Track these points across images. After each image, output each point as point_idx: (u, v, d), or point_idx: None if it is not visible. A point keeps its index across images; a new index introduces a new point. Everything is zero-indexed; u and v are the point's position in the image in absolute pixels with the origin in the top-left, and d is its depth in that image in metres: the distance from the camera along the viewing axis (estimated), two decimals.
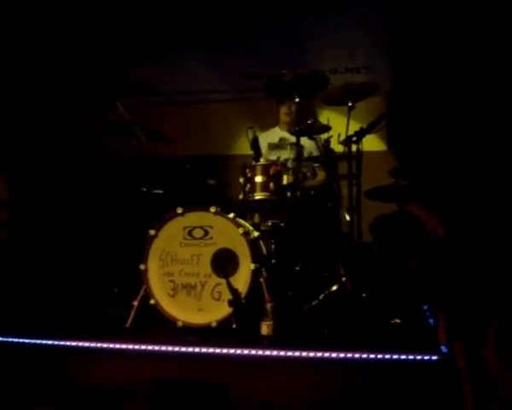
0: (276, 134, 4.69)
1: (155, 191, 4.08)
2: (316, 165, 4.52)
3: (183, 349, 3.06)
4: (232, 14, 5.83)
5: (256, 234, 3.73)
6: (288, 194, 3.84)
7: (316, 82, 4.13)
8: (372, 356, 2.84)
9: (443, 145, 4.88)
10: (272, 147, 4.60)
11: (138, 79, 5.98)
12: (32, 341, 3.23)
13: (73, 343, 3.18)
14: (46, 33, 5.87)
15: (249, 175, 3.87)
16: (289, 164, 4.13)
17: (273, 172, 3.82)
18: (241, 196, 3.91)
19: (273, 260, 3.77)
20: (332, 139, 4.07)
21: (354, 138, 3.87)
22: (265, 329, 3.28)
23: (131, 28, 6.01)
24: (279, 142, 4.61)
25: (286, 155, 4.41)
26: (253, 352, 2.97)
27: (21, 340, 3.25)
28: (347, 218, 3.84)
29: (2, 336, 3.29)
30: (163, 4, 5.94)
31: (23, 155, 5.67)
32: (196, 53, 5.95)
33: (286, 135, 4.57)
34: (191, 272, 3.53)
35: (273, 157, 4.31)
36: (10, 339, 3.27)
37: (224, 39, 5.87)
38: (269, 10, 5.74)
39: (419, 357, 2.80)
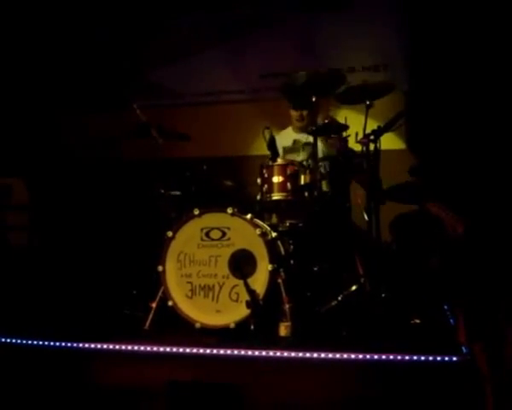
0: (290, 136, 4.62)
1: (172, 193, 4.08)
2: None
3: (201, 351, 3.06)
4: (247, 14, 5.82)
5: (274, 235, 3.72)
6: (306, 194, 3.83)
7: (332, 81, 4.09)
8: (391, 357, 2.82)
9: (463, 142, 4.81)
10: (287, 150, 4.53)
11: (154, 81, 6.00)
12: (51, 343, 3.26)
13: (92, 345, 3.20)
14: (62, 35, 5.94)
15: (266, 175, 3.86)
16: (305, 163, 4.07)
17: (290, 172, 3.81)
18: (258, 197, 3.90)
19: (291, 261, 3.76)
20: (349, 138, 4.03)
21: (372, 137, 3.82)
22: (283, 330, 3.28)
23: (147, 30, 6.03)
24: (293, 145, 4.56)
25: (300, 157, 4.31)
26: (271, 353, 2.97)
27: (40, 342, 3.28)
28: (365, 217, 3.80)
29: (22, 339, 3.32)
30: (179, 6, 5.94)
31: (42, 158, 5.73)
32: (212, 54, 5.94)
33: (298, 136, 4.53)
34: (209, 274, 3.53)
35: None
36: (29, 341, 3.30)
37: (240, 39, 5.86)
38: (283, 9, 5.72)
39: (439, 358, 2.76)
